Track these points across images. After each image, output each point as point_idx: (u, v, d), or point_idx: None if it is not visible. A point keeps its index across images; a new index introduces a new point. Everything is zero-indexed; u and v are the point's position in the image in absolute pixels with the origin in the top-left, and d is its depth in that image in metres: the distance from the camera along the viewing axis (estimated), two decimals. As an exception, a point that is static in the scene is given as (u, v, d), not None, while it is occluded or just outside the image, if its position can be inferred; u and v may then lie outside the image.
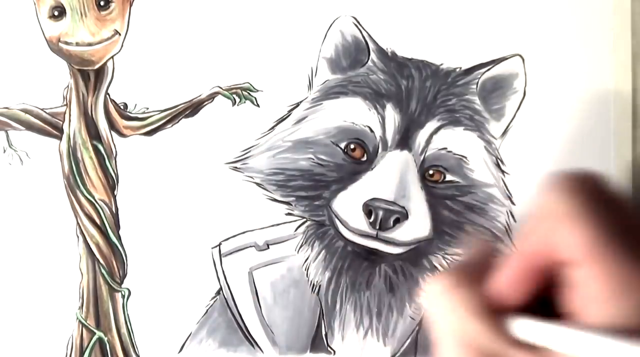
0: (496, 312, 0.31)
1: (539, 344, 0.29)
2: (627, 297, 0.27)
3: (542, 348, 0.29)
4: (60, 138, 0.59)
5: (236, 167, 0.59)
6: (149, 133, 0.59)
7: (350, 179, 0.57)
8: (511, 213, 0.58)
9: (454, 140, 0.58)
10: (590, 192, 0.29)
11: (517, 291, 0.31)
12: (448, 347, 0.32)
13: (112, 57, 0.59)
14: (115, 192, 0.59)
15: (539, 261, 0.30)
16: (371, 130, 0.57)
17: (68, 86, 0.59)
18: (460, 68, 0.59)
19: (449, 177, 0.58)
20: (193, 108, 0.59)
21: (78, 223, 0.59)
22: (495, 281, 0.32)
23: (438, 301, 0.33)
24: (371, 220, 0.56)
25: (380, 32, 0.59)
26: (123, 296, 0.59)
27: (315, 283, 0.58)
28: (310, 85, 0.59)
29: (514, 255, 0.32)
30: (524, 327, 0.30)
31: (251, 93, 0.59)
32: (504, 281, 0.32)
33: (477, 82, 0.58)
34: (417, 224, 0.57)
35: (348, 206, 0.57)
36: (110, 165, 0.59)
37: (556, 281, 0.30)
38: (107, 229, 0.59)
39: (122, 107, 0.59)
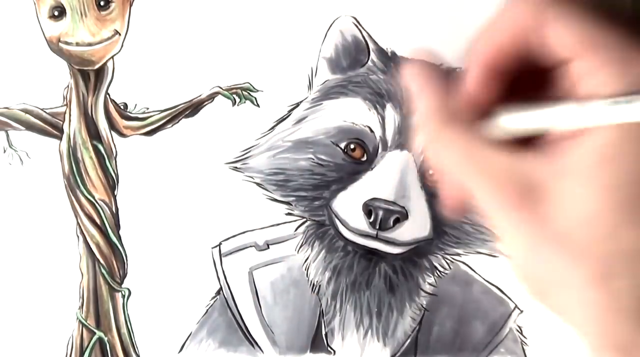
0: (473, 115, 0.31)
1: (537, 127, 0.29)
2: (630, 73, 0.27)
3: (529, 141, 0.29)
4: (60, 138, 0.59)
5: (236, 167, 0.59)
6: (149, 133, 0.59)
7: (350, 179, 0.57)
8: (511, 213, 0.58)
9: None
10: None
11: (488, 86, 0.31)
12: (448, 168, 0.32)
13: (112, 57, 0.59)
14: (115, 192, 0.59)
15: (506, 61, 0.30)
16: (371, 130, 0.57)
17: (68, 86, 0.59)
18: (460, 68, 0.59)
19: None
20: (193, 108, 0.59)
21: (78, 223, 0.59)
22: (465, 82, 0.32)
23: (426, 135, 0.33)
24: (371, 220, 0.56)
25: (380, 32, 0.59)
26: (123, 296, 0.59)
27: (315, 283, 0.58)
28: (310, 85, 0.59)
29: (479, 52, 0.32)
30: (515, 119, 0.30)
31: (251, 93, 0.59)
32: (473, 78, 0.32)
33: (477, 82, 0.58)
34: (417, 224, 0.57)
35: (348, 206, 0.57)
36: (110, 165, 0.59)
37: (534, 78, 0.30)
38: (107, 229, 0.59)
39: (122, 107, 0.59)
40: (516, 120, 0.30)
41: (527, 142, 0.30)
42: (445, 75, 0.36)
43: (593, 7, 0.28)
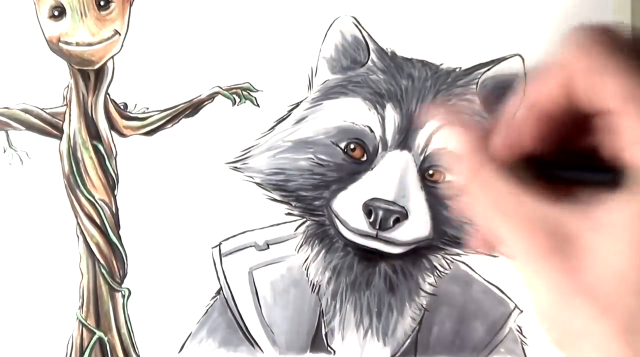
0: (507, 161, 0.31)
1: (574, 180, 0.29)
2: None
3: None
4: (60, 138, 0.59)
5: (236, 167, 0.59)
6: (149, 133, 0.59)
7: (350, 179, 0.57)
8: (511, 213, 0.58)
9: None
10: (614, 42, 0.29)
11: (531, 130, 0.31)
12: (482, 211, 0.32)
13: (112, 57, 0.59)
14: (115, 192, 0.59)
15: (553, 108, 0.31)
16: (371, 130, 0.57)
17: (68, 86, 0.59)
18: (460, 68, 0.59)
19: (449, 177, 0.58)
20: (193, 108, 0.59)
21: (78, 223, 0.59)
22: (508, 124, 0.32)
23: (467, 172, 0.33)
24: (371, 220, 0.56)
25: (380, 32, 0.59)
26: (123, 296, 0.59)
27: (315, 283, 0.58)
28: (310, 85, 0.59)
29: (523, 102, 0.32)
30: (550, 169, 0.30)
31: (251, 93, 0.59)
32: (520, 121, 0.32)
33: (477, 82, 0.58)
34: (417, 224, 0.57)
35: (348, 206, 0.57)
36: (110, 165, 0.59)
37: (577, 131, 0.31)
38: (107, 229, 0.59)
39: (122, 107, 0.59)
40: (551, 170, 0.31)
41: (563, 191, 0.30)
42: (486, 116, 0.37)
43: None
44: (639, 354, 0.27)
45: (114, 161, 0.59)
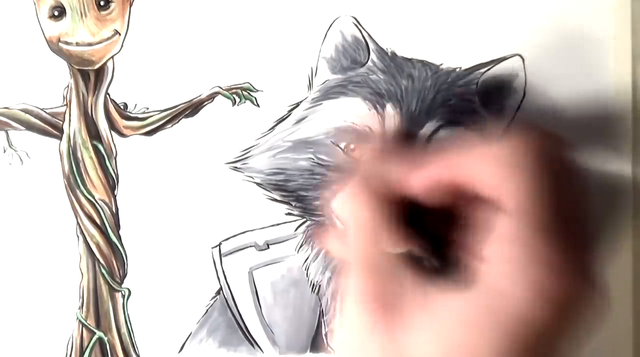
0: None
1: None
2: (534, 274, 0.27)
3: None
4: (60, 138, 0.59)
5: (236, 167, 0.59)
6: (149, 133, 0.59)
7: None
8: (511, 213, 0.58)
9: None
10: (546, 151, 0.29)
11: (429, 197, 0.32)
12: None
13: (112, 57, 0.59)
14: (115, 192, 0.59)
15: (454, 183, 0.31)
16: (371, 130, 0.57)
17: (68, 86, 0.59)
18: (460, 68, 0.59)
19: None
20: (193, 108, 0.59)
21: (78, 223, 0.59)
22: (409, 177, 0.32)
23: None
24: (371, 220, 0.56)
25: (380, 32, 0.59)
26: (123, 296, 0.59)
27: (315, 283, 0.58)
28: (310, 85, 0.59)
29: (436, 164, 0.33)
30: None
31: (251, 93, 0.59)
32: (420, 183, 0.32)
33: (477, 82, 0.58)
34: (417, 224, 0.57)
35: (348, 206, 0.57)
36: (110, 165, 0.59)
37: (457, 208, 0.31)
38: (107, 229, 0.59)
39: (122, 107, 0.59)
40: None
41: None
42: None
43: None
44: None
45: (114, 161, 0.59)
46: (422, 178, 0.32)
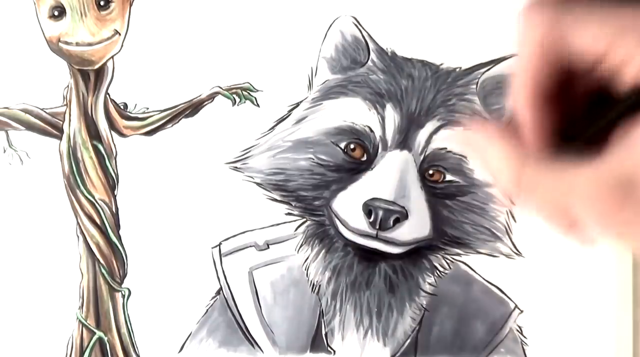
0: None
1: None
2: None
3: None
4: (60, 138, 0.59)
5: (236, 167, 0.59)
6: (149, 133, 0.59)
7: (350, 179, 0.57)
8: (511, 213, 0.58)
9: (454, 140, 0.58)
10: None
11: (542, 114, 0.31)
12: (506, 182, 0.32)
13: (112, 57, 0.59)
14: (115, 192, 0.59)
15: (547, 74, 0.31)
16: (371, 130, 0.57)
17: (68, 86, 0.59)
18: (460, 68, 0.59)
19: (448, 177, 0.58)
20: (193, 108, 0.59)
21: (78, 223, 0.59)
22: (521, 120, 0.32)
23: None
24: (371, 220, 0.56)
25: (380, 32, 0.59)
26: (123, 296, 0.59)
27: (315, 283, 0.58)
28: (310, 85, 0.59)
29: (520, 87, 0.32)
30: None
31: (251, 93, 0.59)
32: (527, 114, 0.31)
33: (477, 82, 0.58)
34: (417, 224, 0.57)
35: (348, 206, 0.57)
36: (110, 165, 0.59)
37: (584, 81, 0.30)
38: (107, 229, 0.59)
39: (122, 107, 0.59)
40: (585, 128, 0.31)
41: (599, 145, 0.30)
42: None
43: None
44: None
45: (114, 161, 0.59)
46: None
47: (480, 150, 0.33)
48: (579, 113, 0.32)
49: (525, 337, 0.59)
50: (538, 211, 0.32)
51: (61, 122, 0.59)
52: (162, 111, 0.59)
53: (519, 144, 0.32)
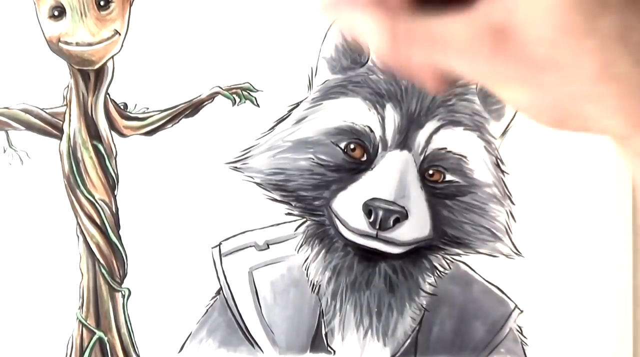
0: None
1: None
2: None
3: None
4: (60, 138, 0.59)
5: (236, 167, 0.59)
6: (149, 133, 0.59)
7: (350, 179, 0.57)
8: (511, 213, 0.58)
9: (453, 140, 0.58)
10: None
11: None
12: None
13: (112, 57, 0.59)
14: (115, 192, 0.59)
15: None
16: (371, 130, 0.57)
17: (68, 86, 0.59)
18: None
19: (448, 177, 0.58)
20: (193, 108, 0.59)
21: (78, 223, 0.59)
22: None
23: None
24: (371, 220, 0.56)
25: (380, 32, 0.59)
26: (123, 296, 0.59)
27: (315, 283, 0.58)
28: (310, 85, 0.59)
29: None
30: None
31: (251, 93, 0.59)
32: None
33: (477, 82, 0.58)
34: (417, 224, 0.57)
35: (348, 206, 0.57)
36: (110, 165, 0.59)
37: None
38: (107, 229, 0.59)
39: (122, 107, 0.59)
40: None
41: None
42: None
43: None
44: (624, 79, 0.27)
45: (114, 161, 0.59)
46: None
47: (348, 17, 0.33)
48: None
49: (525, 337, 0.59)
50: (414, 69, 0.32)
51: (61, 122, 0.59)
52: (162, 111, 0.59)
53: (384, 4, 0.31)
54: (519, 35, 0.29)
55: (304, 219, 0.59)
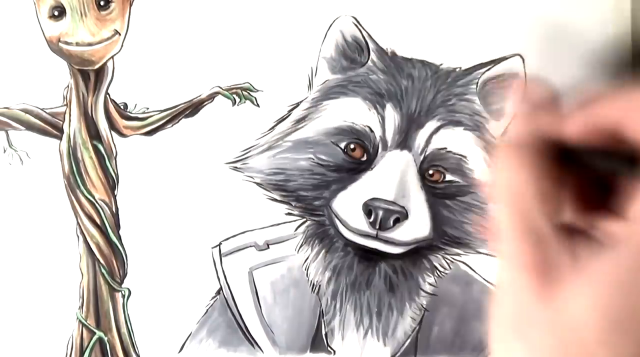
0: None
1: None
2: None
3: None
4: (60, 138, 0.59)
5: (236, 167, 0.59)
6: (149, 133, 0.59)
7: (350, 179, 0.57)
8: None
9: (453, 140, 0.58)
10: None
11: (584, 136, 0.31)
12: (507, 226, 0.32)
13: (112, 57, 0.59)
14: (115, 192, 0.59)
15: (604, 126, 0.31)
16: (371, 130, 0.57)
17: (68, 86, 0.59)
18: (460, 68, 0.59)
19: (448, 177, 0.58)
20: (193, 108, 0.59)
21: (78, 223, 0.59)
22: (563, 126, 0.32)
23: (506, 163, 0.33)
24: (371, 220, 0.56)
25: (380, 32, 0.59)
26: (123, 296, 0.59)
27: (315, 283, 0.58)
28: (310, 85, 0.59)
29: (593, 109, 0.32)
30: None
31: (251, 93, 0.59)
32: (576, 128, 0.31)
33: (477, 82, 0.58)
34: (417, 224, 0.57)
35: (348, 206, 0.57)
36: (110, 165, 0.59)
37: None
38: (107, 229, 0.59)
39: (122, 107, 0.59)
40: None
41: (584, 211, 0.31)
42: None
43: None
44: None
45: (114, 161, 0.59)
46: (579, 124, 0.31)
47: (513, 176, 0.33)
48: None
49: (525, 337, 0.59)
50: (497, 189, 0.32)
51: (61, 122, 0.59)
52: (162, 111, 0.59)
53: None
54: (565, 287, 0.29)
55: (304, 219, 0.59)
